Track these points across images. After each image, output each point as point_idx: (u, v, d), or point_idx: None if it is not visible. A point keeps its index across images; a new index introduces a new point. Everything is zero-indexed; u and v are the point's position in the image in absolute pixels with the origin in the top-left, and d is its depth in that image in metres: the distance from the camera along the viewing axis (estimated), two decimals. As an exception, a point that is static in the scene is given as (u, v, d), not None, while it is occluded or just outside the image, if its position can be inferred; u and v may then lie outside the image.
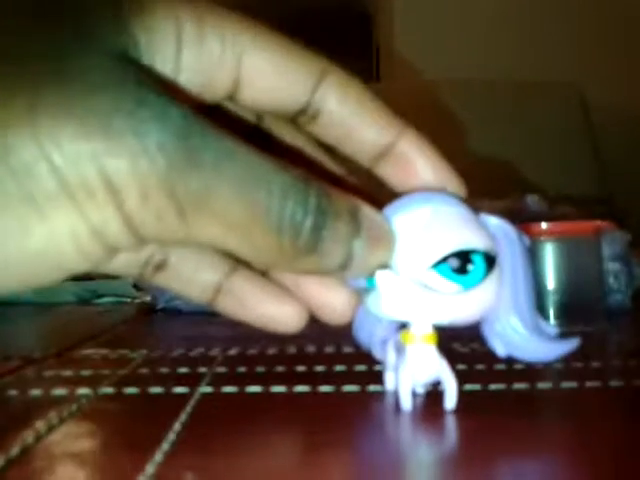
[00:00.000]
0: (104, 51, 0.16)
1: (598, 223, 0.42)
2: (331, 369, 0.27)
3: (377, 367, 0.24)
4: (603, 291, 0.42)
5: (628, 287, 0.49)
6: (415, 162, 0.21)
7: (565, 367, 0.28)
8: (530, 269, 0.20)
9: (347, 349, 0.32)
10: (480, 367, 0.27)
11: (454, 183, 0.21)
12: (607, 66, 1.79)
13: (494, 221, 0.20)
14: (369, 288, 0.20)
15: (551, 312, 0.39)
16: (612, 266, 0.49)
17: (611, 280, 0.48)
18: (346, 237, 0.17)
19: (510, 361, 0.27)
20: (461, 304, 0.19)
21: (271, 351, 0.32)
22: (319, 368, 0.28)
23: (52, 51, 0.15)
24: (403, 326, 0.21)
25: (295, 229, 0.17)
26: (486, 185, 0.99)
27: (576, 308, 0.39)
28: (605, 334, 0.37)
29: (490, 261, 0.19)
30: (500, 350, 0.21)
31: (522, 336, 0.20)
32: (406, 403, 0.20)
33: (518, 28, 1.83)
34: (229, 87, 0.19)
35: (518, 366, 0.27)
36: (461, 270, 0.18)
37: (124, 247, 0.16)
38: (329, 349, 0.32)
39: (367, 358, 0.24)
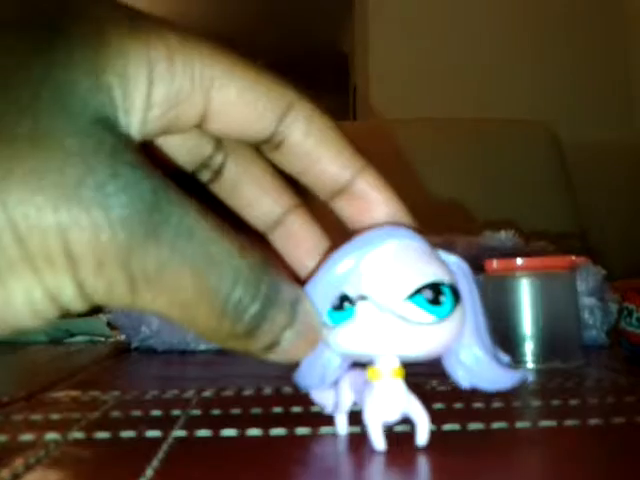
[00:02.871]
0: (82, 112, 0.16)
1: (573, 258, 0.42)
2: (308, 410, 0.27)
3: (354, 408, 0.24)
4: (579, 327, 0.43)
5: (604, 323, 0.49)
6: (371, 201, 0.21)
7: (544, 405, 0.28)
8: (482, 303, 0.21)
9: (324, 389, 0.31)
10: (458, 406, 0.27)
11: (407, 222, 0.22)
12: (578, 103, 1.84)
13: (450, 257, 0.21)
14: (335, 325, 0.20)
15: (527, 348, 0.39)
16: (587, 301, 0.49)
17: (586, 315, 0.49)
18: (280, 328, 0.18)
19: (488, 400, 0.27)
20: (436, 335, 0.19)
21: (247, 392, 0.32)
22: (295, 409, 0.27)
23: (31, 109, 0.15)
24: (355, 364, 0.21)
25: (238, 315, 0.17)
26: (459, 222, 1.00)
27: (552, 344, 0.39)
28: (582, 371, 0.37)
29: (455, 293, 0.19)
30: (463, 380, 0.21)
31: (484, 365, 0.21)
32: (379, 442, 0.20)
33: (490, 68, 1.88)
34: (197, 119, 0.19)
35: (496, 405, 0.27)
36: (434, 301, 0.19)
37: (76, 309, 0.17)
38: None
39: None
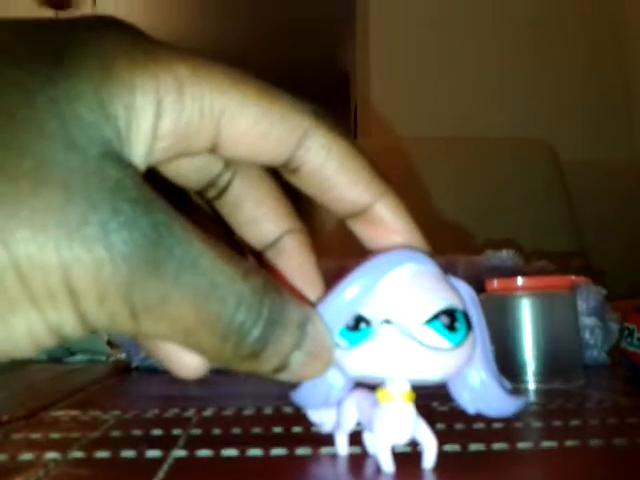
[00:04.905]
0: (87, 147, 0.16)
1: (573, 278, 0.42)
2: (308, 430, 0.27)
3: (358, 428, 0.24)
4: (580, 347, 0.43)
5: (605, 343, 0.49)
6: (389, 226, 0.21)
7: (545, 426, 0.28)
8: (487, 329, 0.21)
9: (325, 408, 0.31)
10: (459, 426, 0.27)
11: (423, 248, 0.21)
12: (576, 122, 1.85)
13: (459, 283, 0.21)
14: (350, 345, 0.19)
15: (528, 368, 0.39)
16: (588, 321, 0.49)
17: (587, 335, 0.48)
18: (287, 349, 0.18)
19: (489, 420, 0.27)
20: (451, 360, 0.19)
21: (247, 412, 0.32)
22: (296, 429, 0.27)
23: (36, 146, 0.15)
24: (358, 385, 0.21)
25: (241, 337, 0.17)
26: (459, 241, 1.00)
27: (553, 364, 0.39)
28: (583, 391, 0.37)
29: (467, 319, 0.19)
30: (468, 404, 0.21)
31: (490, 389, 0.21)
32: (387, 465, 0.20)
33: (490, 87, 1.89)
34: (207, 148, 0.19)
35: (497, 425, 0.27)
36: (450, 327, 0.19)
37: (76, 337, 0.17)
38: (307, 409, 0.32)
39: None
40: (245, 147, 0.19)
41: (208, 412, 0.32)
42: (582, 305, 0.49)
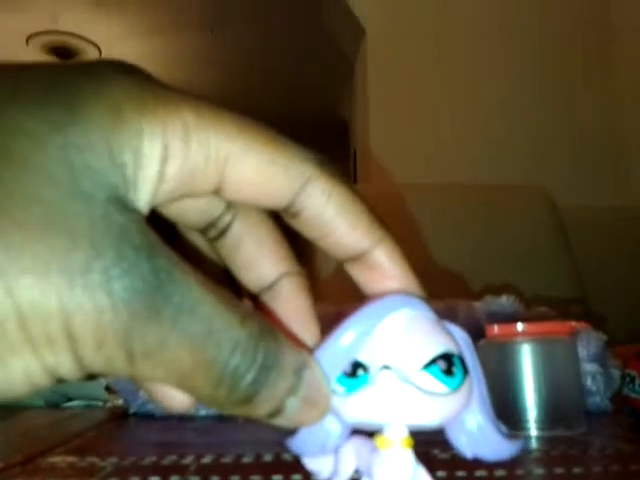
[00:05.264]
0: (94, 194, 0.16)
1: (574, 324, 0.42)
2: (308, 478, 0.27)
3: (356, 475, 0.24)
4: (582, 393, 0.42)
5: (606, 389, 0.49)
6: (386, 271, 0.21)
7: (547, 473, 0.27)
8: (483, 372, 0.21)
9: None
10: (461, 474, 0.27)
11: (419, 293, 0.22)
12: (574, 170, 1.87)
13: (454, 328, 0.21)
14: (347, 391, 0.19)
15: (530, 415, 0.39)
16: (589, 367, 0.49)
17: (589, 382, 0.48)
18: (282, 394, 0.18)
19: (491, 468, 0.27)
20: (449, 405, 0.19)
21: (247, 459, 0.31)
22: (296, 477, 0.27)
23: (45, 192, 0.15)
24: (357, 432, 0.21)
25: (234, 382, 0.17)
26: (456, 289, 1.00)
27: (555, 410, 0.39)
28: (586, 438, 0.37)
29: (463, 364, 0.20)
30: (466, 448, 0.21)
31: (487, 433, 0.21)
32: None
33: (488, 135, 1.91)
34: (210, 191, 0.19)
35: (499, 473, 0.27)
36: (447, 372, 0.19)
37: (72, 379, 0.17)
38: (306, 456, 0.31)
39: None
40: (248, 191, 0.19)
41: (207, 459, 0.31)
42: (583, 351, 0.48)
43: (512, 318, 0.54)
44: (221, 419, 0.48)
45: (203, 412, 0.50)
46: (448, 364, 0.19)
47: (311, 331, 0.22)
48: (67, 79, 0.17)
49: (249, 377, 0.17)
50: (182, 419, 0.49)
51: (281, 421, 0.18)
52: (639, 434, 0.38)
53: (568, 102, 1.95)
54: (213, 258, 0.23)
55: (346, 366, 0.19)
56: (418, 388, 0.19)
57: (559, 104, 1.94)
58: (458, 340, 0.20)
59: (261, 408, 0.18)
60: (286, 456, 0.31)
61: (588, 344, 0.49)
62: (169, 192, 0.18)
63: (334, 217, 0.20)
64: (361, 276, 0.22)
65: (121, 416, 0.52)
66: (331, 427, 0.21)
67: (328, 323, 0.21)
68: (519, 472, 0.27)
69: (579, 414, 0.40)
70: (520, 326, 0.41)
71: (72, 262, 0.15)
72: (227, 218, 0.22)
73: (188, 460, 0.31)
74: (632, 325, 1.19)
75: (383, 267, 0.21)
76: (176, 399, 0.20)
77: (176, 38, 3.05)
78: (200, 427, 0.46)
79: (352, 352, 0.19)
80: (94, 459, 0.32)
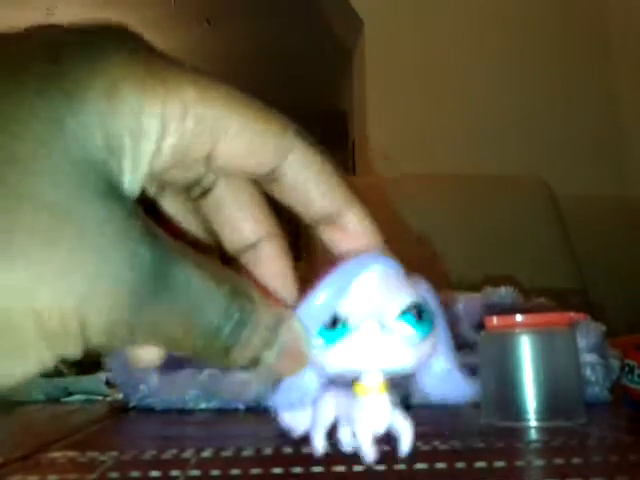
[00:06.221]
0: (95, 186, 0.16)
1: (573, 314, 0.42)
2: (309, 471, 0.27)
3: (356, 468, 0.24)
4: (581, 383, 0.42)
5: (606, 379, 0.49)
6: (356, 233, 0.23)
7: (546, 464, 0.27)
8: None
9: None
10: (460, 465, 0.27)
11: (385, 251, 0.23)
12: (571, 159, 1.87)
13: (419, 281, 0.22)
14: (328, 343, 0.21)
15: (529, 406, 0.39)
16: (588, 358, 0.49)
17: (588, 372, 0.48)
18: (257, 347, 0.19)
19: (490, 459, 0.27)
20: (422, 349, 0.21)
21: (247, 452, 0.31)
22: (296, 470, 0.27)
23: (53, 195, 0.16)
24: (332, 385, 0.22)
25: (213, 339, 0.18)
26: (458, 276, 1.00)
27: (554, 401, 0.39)
28: (585, 429, 0.37)
29: (430, 312, 0.21)
30: (434, 390, 0.23)
31: (453, 375, 0.23)
32: (370, 454, 0.21)
33: (487, 124, 1.91)
34: (200, 162, 0.20)
35: (499, 464, 0.27)
36: (419, 319, 0.21)
37: (74, 355, 0.17)
38: (306, 450, 0.31)
39: (346, 459, 0.23)
40: (235, 162, 0.20)
41: (207, 453, 0.32)
42: (582, 342, 0.48)
43: (511, 309, 0.54)
44: (221, 413, 0.48)
45: (203, 405, 0.50)
46: (419, 312, 0.21)
47: (290, 290, 0.23)
48: (67, 61, 0.17)
49: (225, 332, 0.18)
50: (182, 413, 0.49)
51: (262, 371, 0.20)
52: (638, 424, 0.38)
53: (567, 92, 1.95)
54: (190, 228, 0.24)
55: (326, 319, 0.21)
56: (396, 335, 0.20)
57: (558, 94, 1.94)
58: (424, 292, 0.22)
59: (239, 359, 0.19)
60: (286, 449, 0.31)
61: (587, 335, 0.49)
62: (163, 166, 0.19)
63: (310, 184, 0.22)
64: (332, 237, 0.23)
65: (121, 410, 0.52)
66: (310, 380, 0.22)
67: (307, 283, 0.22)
68: (518, 463, 0.27)
69: (578, 405, 0.40)
70: (519, 317, 0.41)
71: (83, 262, 0.16)
72: (211, 178, 0.23)
73: (188, 454, 0.31)
74: (631, 315, 1.19)
75: (352, 228, 0.23)
76: (147, 357, 0.21)
77: (173, 31, 3.03)
78: (200, 421, 0.46)
79: (331, 307, 0.21)
80: (94, 454, 0.32)
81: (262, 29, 2.96)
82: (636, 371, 0.39)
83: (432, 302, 0.22)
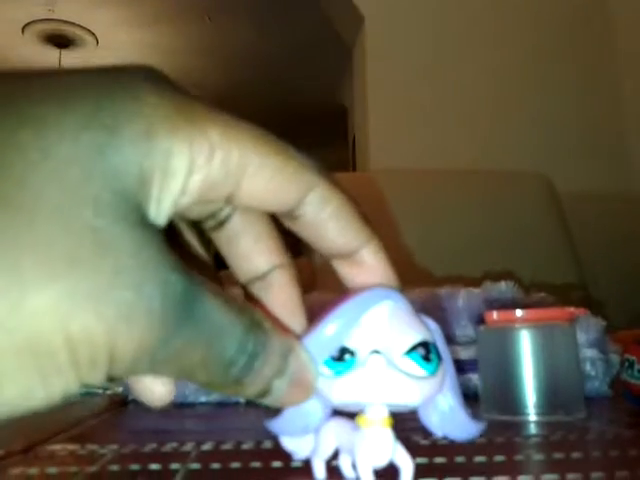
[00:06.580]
0: (131, 220, 0.17)
1: (573, 309, 0.42)
2: (307, 465, 0.27)
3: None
4: (581, 378, 0.42)
5: (605, 374, 0.49)
6: (370, 268, 0.23)
7: (546, 458, 0.27)
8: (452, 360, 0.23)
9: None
10: (460, 460, 0.27)
11: (396, 285, 0.24)
12: (574, 155, 1.86)
13: (426, 319, 0.23)
14: (335, 374, 0.21)
15: (529, 401, 0.39)
16: (589, 353, 0.49)
17: (588, 367, 0.48)
18: (268, 377, 0.19)
19: (490, 453, 0.27)
20: (427, 387, 0.21)
21: (246, 446, 0.31)
22: (295, 464, 0.27)
23: (96, 222, 0.16)
24: (337, 412, 0.23)
25: (227, 370, 0.19)
26: (458, 271, 1.00)
27: (554, 396, 0.39)
28: (585, 423, 0.37)
29: (437, 351, 0.22)
30: (437, 429, 0.23)
31: (457, 413, 0.23)
32: None
33: (488, 121, 1.91)
34: (223, 199, 0.20)
35: (498, 458, 0.27)
36: (426, 358, 0.21)
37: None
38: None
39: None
40: (257, 199, 0.21)
41: (207, 446, 0.32)
42: (582, 337, 0.49)
43: (511, 304, 0.54)
44: (221, 406, 0.48)
45: (203, 399, 0.50)
46: (426, 351, 0.21)
47: (299, 319, 0.24)
48: (105, 99, 0.18)
49: (240, 364, 0.19)
50: (182, 406, 0.49)
51: (269, 401, 0.20)
52: (638, 419, 0.38)
53: (569, 88, 1.94)
54: (201, 252, 0.24)
55: (334, 351, 0.21)
56: (402, 371, 0.21)
57: (560, 90, 1.94)
58: (431, 330, 0.22)
59: (250, 389, 0.19)
60: (286, 442, 0.31)
61: (587, 329, 0.49)
62: (188, 203, 0.19)
63: (329, 222, 0.22)
64: (347, 271, 0.24)
65: (121, 403, 0.52)
66: (314, 408, 0.22)
67: (317, 311, 0.23)
68: (518, 457, 0.27)
69: (578, 399, 0.40)
70: (519, 312, 0.41)
71: (118, 289, 0.16)
72: (227, 210, 0.23)
73: (188, 447, 0.31)
74: (631, 310, 1.19)
75: (368, 264, 0.23)
76: (156, 393, 0.21)
77: (173, 26, 3.03)
78: (200, 414, 0.46)
79: (340, 338, 0.21)
80: (94, 447, 0.32)
81: (262, 25, 2.95)
82: (636, 366, 0.39)
83: (439, 341, 0.22)
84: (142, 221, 0.17)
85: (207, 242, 0.24)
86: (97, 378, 0.17)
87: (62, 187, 0.16)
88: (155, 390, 0.21)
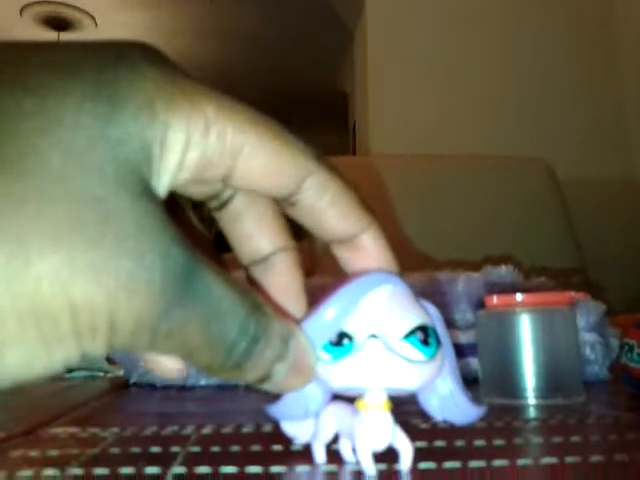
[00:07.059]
0: (135, 190, 0.17)
1: (573, 294, 0.42)
2: (308, 448, 0.27)
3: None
4: (580, 362, 0.42)
5: (605, 358, 0.49)
6: (370, 253, 0.23)
7: (545, 442, 0.27)
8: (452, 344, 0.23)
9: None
10: (460, 443, 0.27)
11: (395, 270, 0.24)
12: (574, 140, 1.86)
13: (426, 303, 0.23)
14: (334, 359, 0.21)
15: (529, 385, 0.39)
16: (588, 337, 0.49)
17: (588, 351, 0.48)
18: (269, 362, 0.19)
19: (489, 437, 0.27)
20: (426, 371, 0.21)
21: (247, 429, 0.32)
22: (296, 447, 0.27)
23: (100, 191, 0.16)
24: (336, 397, 0.23)
25: (229, 353, 0.18)
26: (459, 255, 1.00)
27: (554, 380, 0.39)
28: (584, 407, 0.37)
29: (436, 335, 0.22)
30: (437, 413, 0.23)
31: (457, 397, 0.23)
32: (369, 468, 0.21)
33: (489, 105, 1.90)
34: (220, 178, 0.20)
35: (498, 442, 0.27)
36: (424, 342, 0.21)
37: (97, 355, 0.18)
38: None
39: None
40: (254, 182, 0.21)
41: (207, 429, 0.32)
42: (582, 321, 0.49)
43: (511, 288, 0.54)
44: (221, 389, 0.48)
45: (203, 382, 0.50)
46: (424, 335, 0.21)
47: (300, 304, 0.24)
48: (108, 71, 0.18)
49: (241, 347, 0.19)
50: (182, 389, 0.50)
51: (269, 386, 0.20)
52: (637, 403, 0.38)
53: (570, 74, 1.93)
54: (203, 231, 0.24)
55: (332, 336, 0.21)
56: (400, 355, 0.21)
57: (561, 76, 1.92)
58: (431, 314, 0.22)
59: (250, 374, 0.19)
60: (286, 426, 0.32)
61: (587, 313, 0.50)
62: (185, 179, 0.19)
63: (328, 208, 0.22)
64: (346, 256, 0.24)
65: (122, 386, 0.53)
66: (314, 393, 0.22)
67: (317, 295, 0.23)
68: (517, 441, 0.28)
69: (578, 383, 0.40)
70: (519, 296, 0.41)
71: (119, 259, 0.16)
72: (229, 191, 0.23)
73: (189, 430, 0.32)
74: (631, 294, 1.19)
75: (367, 249, 0.23)
76: (168, 367, 0.22)
77: (173, 8, 3.00)
78: (200, 397, 0.46)
79: (338, 323, 0.21)
80: (96, 429, 0.32)
81: (263, 8, 2.93)
82: (636, 350, 0.39)
83: (439, 325, 0.22)
84: (146, 193, 0.17)
85: (209, 225, 0.24)
86: (98, 348, 0.17)
87: (67, 154, 0.16)
88: (169, 363, 0.22)
